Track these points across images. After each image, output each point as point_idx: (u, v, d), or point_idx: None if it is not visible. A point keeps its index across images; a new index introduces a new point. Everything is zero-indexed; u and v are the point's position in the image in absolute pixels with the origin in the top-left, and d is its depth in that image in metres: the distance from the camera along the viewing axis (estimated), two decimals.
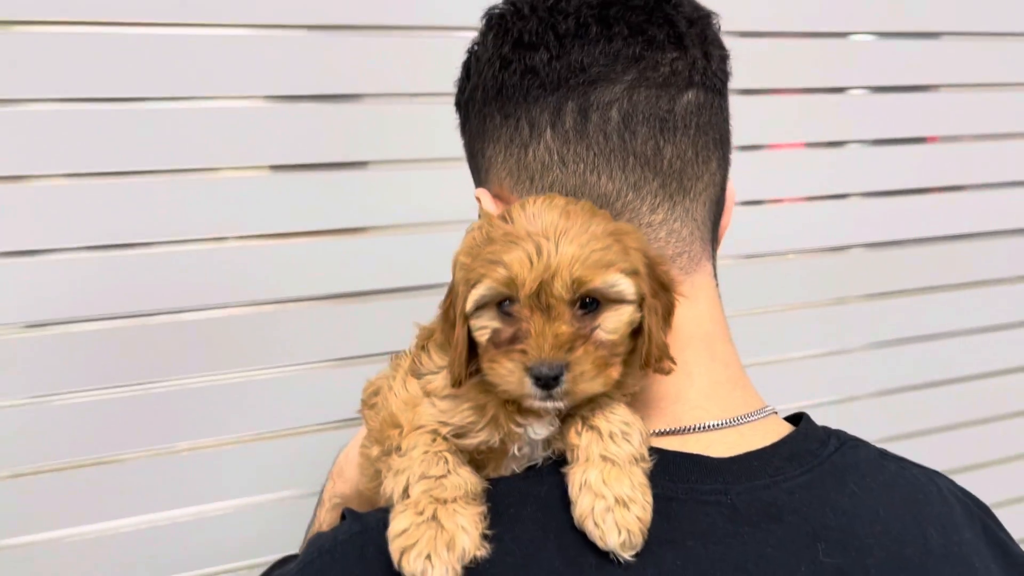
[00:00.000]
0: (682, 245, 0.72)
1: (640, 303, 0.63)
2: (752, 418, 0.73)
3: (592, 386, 0.61)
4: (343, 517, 0.67)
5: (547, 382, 0.60)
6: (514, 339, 0.61)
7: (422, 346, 0.73)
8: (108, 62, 1.25)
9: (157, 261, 1.32)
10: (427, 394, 0.69)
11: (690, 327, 0.72)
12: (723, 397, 0.73)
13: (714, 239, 0.77)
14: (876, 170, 1.70)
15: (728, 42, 0.77)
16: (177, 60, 1.27)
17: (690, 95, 0.71)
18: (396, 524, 0.60)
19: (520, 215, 0.62)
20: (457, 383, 0.65)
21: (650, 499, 0.62)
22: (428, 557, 0.58)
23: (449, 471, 0.63)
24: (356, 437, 0.92)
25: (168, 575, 1.41)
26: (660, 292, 0.66)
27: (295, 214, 1.38)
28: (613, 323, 0.63)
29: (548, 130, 0.70)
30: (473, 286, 0.62)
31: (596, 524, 0.59)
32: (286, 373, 1.43)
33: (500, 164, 0.74)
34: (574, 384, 0.60)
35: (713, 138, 0.73)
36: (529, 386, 0.60)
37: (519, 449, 0.67)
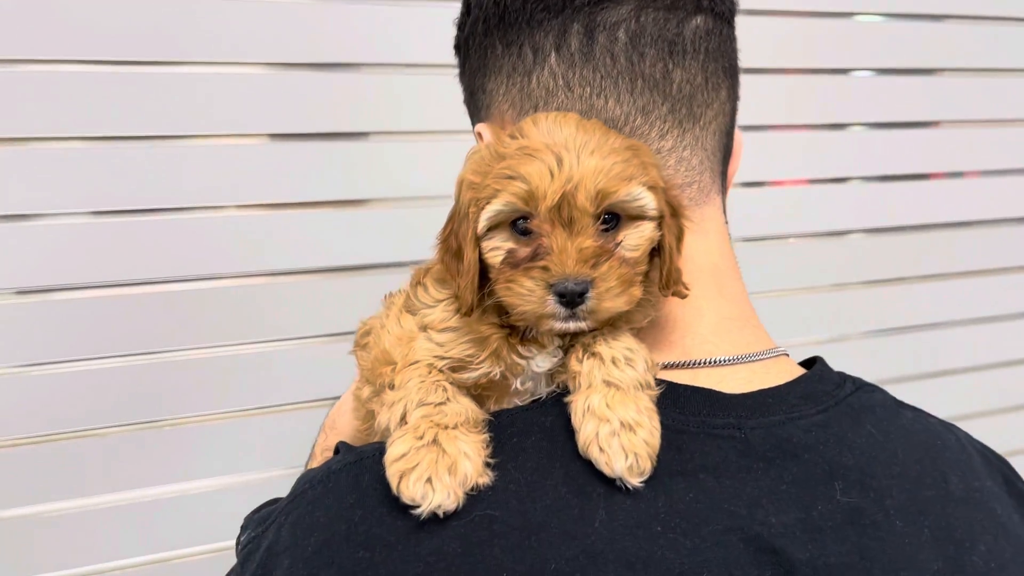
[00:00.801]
0: (692, 174, 0.70)
1: (660, 220, 0.61)
2: (763, 356, 0.70)
3: (617, 303, 0.59)
4: (336, 452, 0.64)
5: (572, 299, 0.57)
6: (534, 257, 0.58)
7: (417, 282, 0.70)
8: (106, 25, 1.22)
9: (149, 228, 1.29)
10: (423, 328, 0.66)
11: (700, 259, 0.70)
12: (733, 333, 0.70)
13: (723, 175, 0.75)
14: (878, 154, 1.68)
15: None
16: (176, 23, 1.25)
17: (699, 20, 0.69)
18: (394, 449, 0.56)
19: (533, 129, 0.60)
20: (468, 311, 0.62)
21: (658, 425, 0.58)
22: (429, 480, 0.54)
23: (448, 399, 0.60)
24: (348, 390, 0.88)
25: (148, 553, 1.36)
26: (671, 216, 0.63)
27: (293, 184, 1.35)
28: (635, 239, 0.61)
29: (553, 54, 0.68)
30: (487, 203, 0.59)
31: (601, 449, 0.56)
32: (278, 348, 1.39)
33: (502, 96, 0.71)
34: (599, 301, 0.58)
35: (723, 66, 0.71)
36: (552, 304, 0.58)
37: (521, 383, 0.64)
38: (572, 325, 0.59)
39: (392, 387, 0.64)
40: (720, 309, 0.70)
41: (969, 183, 1.78)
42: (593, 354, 0.61)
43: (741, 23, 0.76)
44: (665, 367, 0.66)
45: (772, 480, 0.60)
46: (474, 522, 0.55)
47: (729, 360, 0.68)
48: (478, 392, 0.65)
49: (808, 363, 0.73)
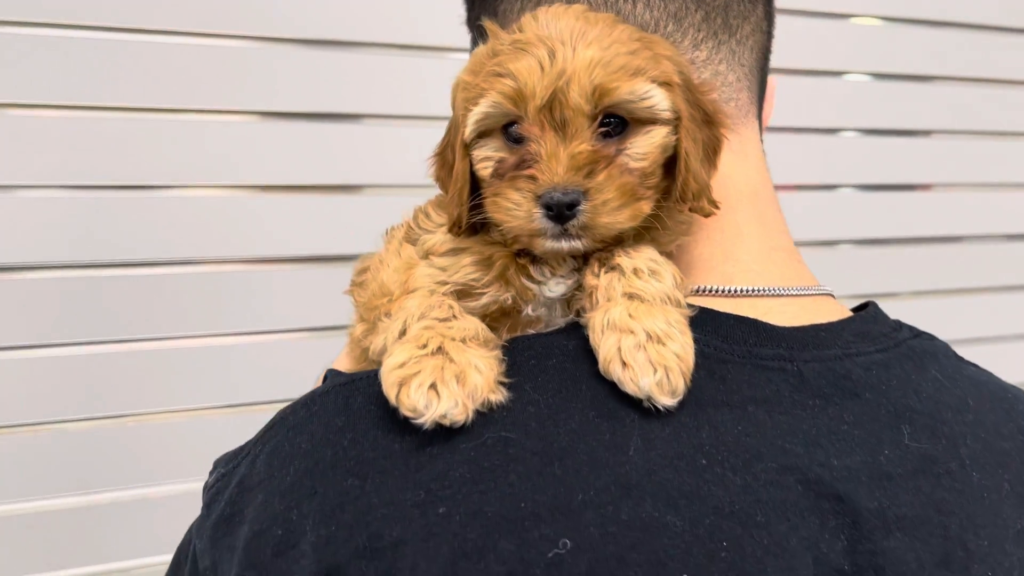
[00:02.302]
0: (729, 91, 0.64)
1: (676, 123, 0.54)
2: (811, 291, 0.63)
3: (616, 218, 0.51)
4: (325, 379, 0.56)
5: (560, 212, 0.49)
6: (521, 165, 0.51)
7: (419, 211, 0.63)
8: None
9: (130, 206, 1.21)
10: (424, 256, 0.59)
11: (739, 184, 0.63)
12: (779, 264, 0.63)
13: (760, 100, 0.69)
14: (871, 163, 1.65)
15: None
16: None
17: None
18: (393, 359, 0.49)
19: (531, 22, 0.53)
20: (457, 226, 0.55)
21: (691, 341, 0.51)
22: (434, 387, 0.46)
23: (455, 315, 0.53)
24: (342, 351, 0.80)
25: (106, 562, 1.24)
26: (703, 123, 0.57)
27: (282, 166, 1.28)
28: (644, 146, 0.53)
29: None
30: (474, 105, 0.52)
31: (625, 364, 0.49)
32: (258, 340, 1.30)
33: (517, 13, 0.65)
34: (594, 215, 0.50)
35: None
36: (539, 219, 0.50)
37: (533, 309, 0.57)
38: (566, 245, 0.52)
39: (388, 316, 0.56)
40: (764, 237, 0.63)
41: (963, 195, 1.75)
42: (612, 267, 0.53)
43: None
44: (700, 292, 0.59)
45: (831, 419, 0.53)
46: (486, 445, 0.47)
47: (776, 291, 0.60)
48: (488, 322, 0.57)
49: (859, 309, 0.67)
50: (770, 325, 0.56)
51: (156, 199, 1.22)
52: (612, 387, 0.50)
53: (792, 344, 0.56)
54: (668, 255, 0.59)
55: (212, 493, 0.51)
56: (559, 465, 0.46)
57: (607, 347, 0.49)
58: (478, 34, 0.68)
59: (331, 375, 0.55)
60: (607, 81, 0.50)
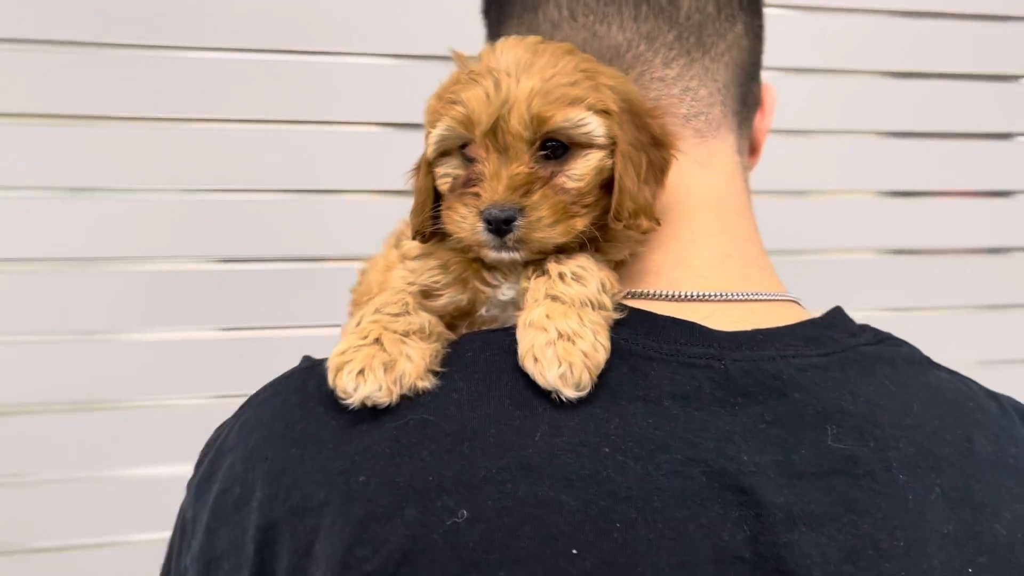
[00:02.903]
0: (699, 105, 0.67)
1: (612, 148, 0.58)
2: (766, 297, 0.64)
3: (549, 234, 0.57)
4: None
5: (498, 227, 0.56)
6: (469, 182, 0.58)
7: (403, 219, 0.71)
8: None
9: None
10: (402, 259, 0.67)
11: (702, 194, 0.67)
12: (733, 271, 0.65)
13: (742, 113, 0.71)
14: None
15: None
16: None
17: None
18: (337, 347, 0.57)
19: (489, 53, 0.60)
20: (420, 234, 0.62)
21: (605, 342, 0.55)
22: (362, 372, 0.54)
23: (408, 311, 0.60)
24: None
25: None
26: (649, 145, 0.61)
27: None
28: (580, 169, 0.58)
29: None
30: (432, 128, 0.59)
31: (536, 359, 0.54)
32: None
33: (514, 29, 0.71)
34: (529, 230, 0.56)
35: (739, 0, 0.69)
36: (482, 232, 0.57)
37: (486, 311, 0.63)
38: (506, 255, 0.58)
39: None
40: (721, 245, 0.66)
41: None
42: (543, 272, 0.59)
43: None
44: (644, 296, 0.62)
45: (750, 417, 0.55)
46: (408, 425, 0.53)
47: (722, 296, 0.63)
48: (451, 321, 0.64)
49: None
50: (706, 327, 0.59)
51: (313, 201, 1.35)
52: (530, 380, 0.54)
53: (724, 344, 0.58)
54: (619, 263, 0.63)
55: (200, 457, 0.61)
56: (468, 445, 0.52)
57: (524, 343, 0.55)
58: (493, 6, 0.74)
59: (303, 360, 0.63)
60: (544, 110, 0.56)
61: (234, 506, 0.55)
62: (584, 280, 0.57)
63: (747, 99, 0.72)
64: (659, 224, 0.61)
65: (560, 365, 0.53)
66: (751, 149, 0.77)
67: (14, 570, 1.30)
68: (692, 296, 0.62)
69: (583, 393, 0.53)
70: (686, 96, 0.67)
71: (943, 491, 0.54)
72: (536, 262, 0.60)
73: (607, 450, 0.52)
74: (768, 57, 0.77)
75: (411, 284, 0.63)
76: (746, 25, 0.70)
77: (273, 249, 1.30)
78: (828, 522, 0.52)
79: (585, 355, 0.53)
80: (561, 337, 0.54)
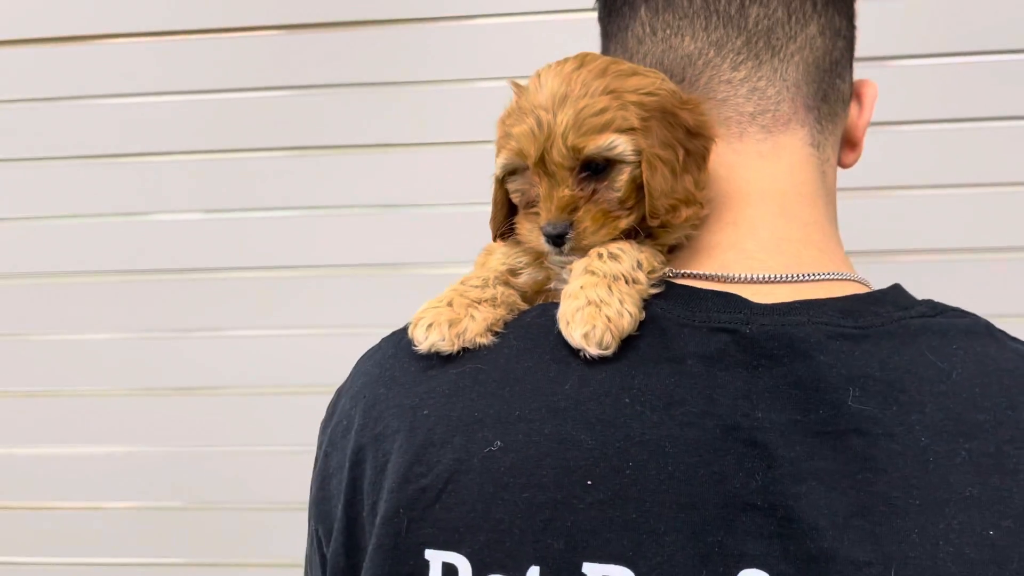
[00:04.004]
0: (766, 103, 0.71)
1: (639, 159, 0.66)
2: (822, 277, 0.66)
3: (596, 239, 0.67)
4: None
5: (555, 240, 0.67)
6: (531, 203, 0.70)
7: None
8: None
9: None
10: (490, 252, 0.78)
11: (763, 183, 0.71)
12: (789, 253, 0.68)
13: (821, 109, 0.74)
14: None
15: None
16: None
17: None
18: (420, 309, 0.70)
19: (534, 84, 0.69)
20: (495, 238, 0.75)
21: (632, 309, 0.62)
22: (431, 326, 0.66)
23: (487, 285, 0.71)
24: None
25: None
26: (685, 138, 0.67)
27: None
28: (616, 182, 0.67)
29: (643, 7, 0.76)
30: (497, 155, 0.72)
31: (567, 322, 0.62)
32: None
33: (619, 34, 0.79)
34: (579, 239, 0.67)
35: (813, 2, 0.72)
36: (543, 243, 0.68)
37: (554, 285, 0.72)
38: (563, 258, 0.69)
39: None
40: (781, 229, 0.69)
41: None
42: (586, 254, 0.68)
43: None
44: (693, 277, 0.68)
45: (772, 378, 0.59)
46: (465, 372, 0.65)
47: (771, 278, 0.66)
48: (532, 297, 0.74)
49: None
50: (743, 298, 0.63)
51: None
52: None
53: (756, 311, 0.62)
54: (674, 247, 0.70)
55: (329, 404, 0.77)
56: (508, 390, 0.62)
57: (561, 310, 0.64)
58: (601, 28, 0.83)
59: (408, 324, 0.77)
60: (578, 142, 0.65)
61: (342, 434, 0.69)
62: (619, 258, 0.65)
63: (827, 95, 0.74)
64: (703, 209, 0.67)
65: (585, 326, 0.61)
66: (849, 144, 0.78)
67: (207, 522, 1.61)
68: (739, 278, 0.66)
69: (606, 352, 0.60)
70: (753, 96, 0.71)
71: (970, 455, 0.54)
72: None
73: (627, 400, 0.59)
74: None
75: (503, 264, 0.75)
76: (821, 26, 0.73)
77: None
78: (841, 478, 0.54)
79: (609, 319, 0.61)
80: (590, 304, 0.62)
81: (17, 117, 1.58)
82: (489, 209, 0.76)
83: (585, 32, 0.91)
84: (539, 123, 0.66)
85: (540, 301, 0.74)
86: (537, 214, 0.68)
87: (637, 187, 0.67)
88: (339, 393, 0.74)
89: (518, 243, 0.75)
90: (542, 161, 0.66)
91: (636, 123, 0.65)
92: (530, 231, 0.69)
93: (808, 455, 0.55)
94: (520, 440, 0.59)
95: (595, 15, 0.84)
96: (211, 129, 1.56)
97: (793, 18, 0.71)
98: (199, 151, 1.56)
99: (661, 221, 0.66)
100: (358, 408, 0.69)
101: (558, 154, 0.65)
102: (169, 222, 1.59)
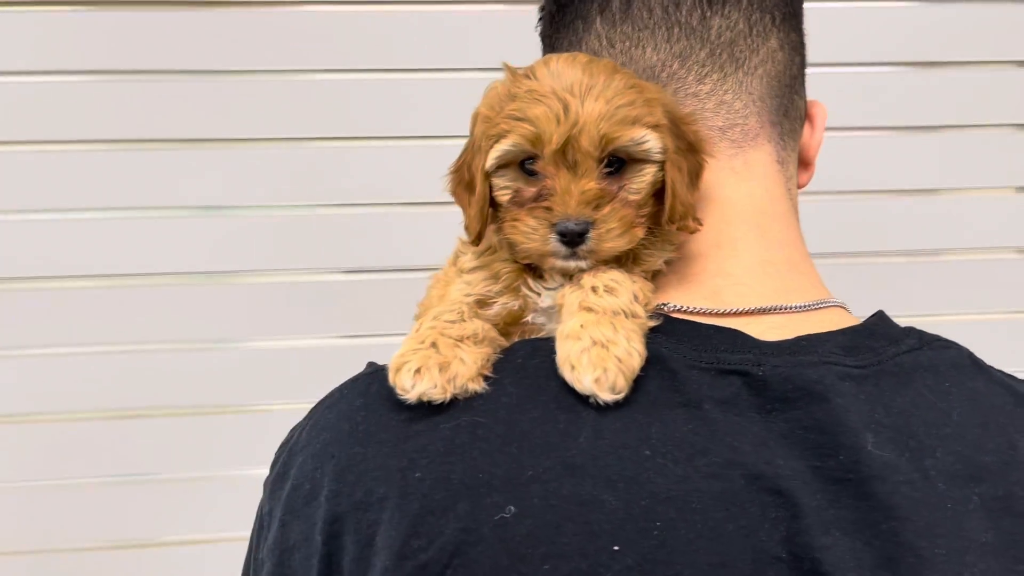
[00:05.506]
0: (734, 117, 0.70)
1: (664, 159, 0.63)
2: (809, 307, 0.66)
3: (618, 244, 0.61)
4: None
5: (572, 239, 0.60)
6: (538, 197, 0.62)
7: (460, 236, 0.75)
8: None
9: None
10: (460, 273, 0.71)
11: (741, 203, 0.69)
12: (774, 278, 0.67)
13: (783, 125, 0.73)
14: None
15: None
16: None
17: None
18: (398, 351, 0.61)
19: (543, 71, 0.63)
20: (476, 239, 0.67)
21: (640, 347, 0.58)
22: (418, 371, 0.58)
23: (463, 319, 0.64)
24: None
25: None
26: (686, 151, 0.64)
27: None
28: (638, 183, 0.63)
29: (597, 19, 0.72)
30: (496, 142, 0.63)
31: (573, 367, 0.57)
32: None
33: (566, 46, 0.75)
34: (600, 241, 0.61)
35: (772, 15, 0.71)
36: (553, 243, 0.61)
37: (533, 318, 0.67)
38: (572, 264, 0.62)
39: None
40: (760, 251, 0.68)
41: None
42: (579, 285, 0.62)
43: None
44: (687, 312, 0.65)
45: (787, 422, 0.57)
46: (460, 426, 0.57)
47: (764, 309, 0.65)
48: (505, 329, 0.68)
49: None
50: (748, 336, 0.61)
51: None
52: None
53: (764, 351, 0.60)
54: (655, 273, 0.67)
55: (276, 456, 0.67)
56: (516, 446, 0.56)
57: (561, 353, 0.59)
58: (545, 45, 0.78)
59: (368, 365, 0.68)
60: (612, 131, 0.60)
61: (304, 501, 0.60)
62: (616, 292, 0.61)
63: (788, 111, 0.74)
64: (701, 224, 0.65)
65: (595, 370, 0.56)
66: (802, 163, 0.79)
67: (144, 560, 1.44)
68: (732, 312, 0.65)
69: (619, 396, 0.56)
70: (721, 109, 0.70)
71: (981, 500, 0.55)
72: (571, 277, 0.64)
73: (648, 453, 0.55)
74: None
75: (468, 295, 0.68)
76: (780, 40, 0.72)
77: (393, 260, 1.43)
78: (865, 528, 0.54)
79: (619, 360, 0.56)
80: (595, 344, 0.57)
81: None
82: (460, 209, 0.68)
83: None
84: (566, 107, 0.60)
85: (516, 336, 0.68)
86: (547, 209, 0.61)
87: (653, 191, 0.64)
88: (290, 451, 0.64)
89: (483, 267, 0.69)
90: (563, 150, 0.60)
91: (663, 120, 0.62)
92: (533, 229, 0.61)
93: (831, 503, 0.54)
94: (536, 504, 0.53)
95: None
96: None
97: (754, 31, 0.71)
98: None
99: (677, 227, 0.64)
100: (326, 470, 0.59)
101: (588, 142, 0.59)
102: None
